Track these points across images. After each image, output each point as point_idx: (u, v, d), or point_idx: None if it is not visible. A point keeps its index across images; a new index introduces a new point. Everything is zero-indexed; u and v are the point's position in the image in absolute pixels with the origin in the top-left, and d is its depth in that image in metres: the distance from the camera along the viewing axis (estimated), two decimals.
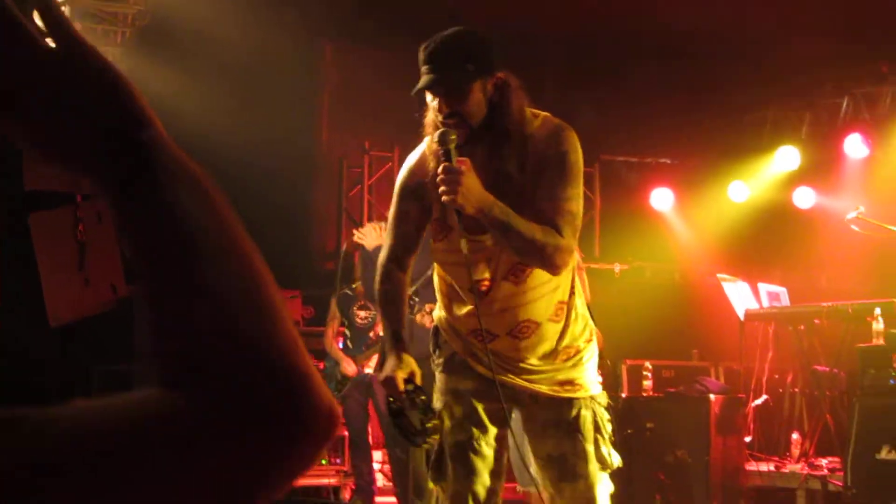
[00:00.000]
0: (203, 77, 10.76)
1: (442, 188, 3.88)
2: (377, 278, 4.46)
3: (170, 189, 1.06)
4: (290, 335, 1.03)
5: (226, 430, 0.98)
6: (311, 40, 12.77)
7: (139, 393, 1.00)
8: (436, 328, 4.54)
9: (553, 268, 4.03)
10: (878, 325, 8.34)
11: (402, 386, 4.20)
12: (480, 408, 4.34)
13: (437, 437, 4.32)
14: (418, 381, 4.28)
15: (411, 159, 4.36)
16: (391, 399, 4.31)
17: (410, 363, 4.26)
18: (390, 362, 4.30)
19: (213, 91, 10.74)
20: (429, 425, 4.29)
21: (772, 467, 9.52)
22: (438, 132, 3.97)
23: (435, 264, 4.39)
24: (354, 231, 8.92)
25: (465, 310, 4.29)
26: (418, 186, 4.27)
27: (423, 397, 4.29)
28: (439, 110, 4.03)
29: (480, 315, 4.15)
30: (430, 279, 4.68)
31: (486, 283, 4.16)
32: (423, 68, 4.03)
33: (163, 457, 0.96)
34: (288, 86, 12.17)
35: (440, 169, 3.91)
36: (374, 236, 8.43)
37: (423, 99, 4.15)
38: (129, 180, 1.06)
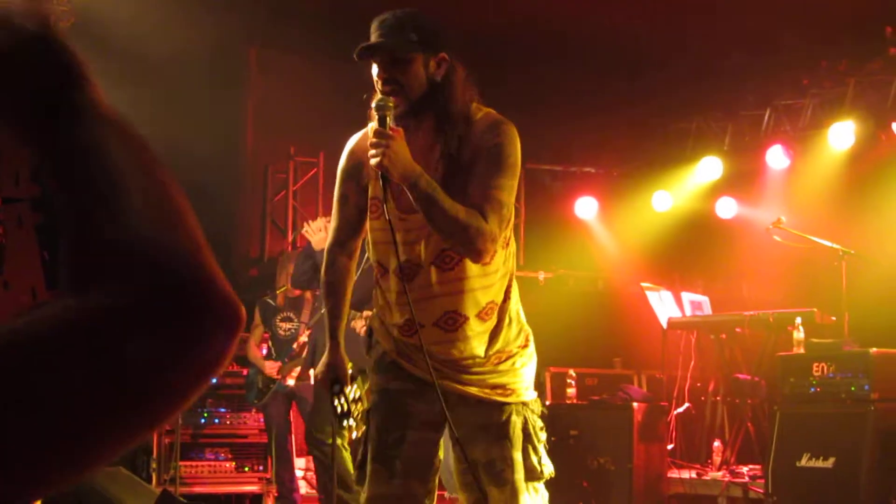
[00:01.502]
0: (127, 82, 10.66)
1: (371, 152, 3.88)
2: (323, 265, 4.47)
3: (95, 132, 1.14)
4: (196, 242, 1.10)
5: (133, 325, 1.01)
6: (235, 46, 12.70)
7: (49, 305, 1.05)
8: (370, 329, 4.50)
9: (474, 252, 3.99)
10: (799, 335, 8.43)
11: (330, 385, 4.36)
12: (409, 409, 4.29)
13: (362, 427, 4.33)
14: (348, 381, 4.37)
15: (352, 142, 4.37)
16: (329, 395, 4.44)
17: (341, 364, 4.36)
18: (322, 360, 4.43)
19: (136, 96, 10.63)
20: (354, 410, 4.42)
21: (693, 475, 9.59)
22: (377, 98, 3.98)
23: (370, 251, 4.36)
24: (304, 224, 8.83)
25: (393, 297, 4.26)
26: (356, 168, 4.27)
27: (346, 396, 4.40)
28: (378, 76, 4.04)
29: (406, 302, 4.13)
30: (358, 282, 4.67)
31: (416, 263, 4.13)
32: (372, 36, 4.07)
33: (74, 355, 0.99)
34: (212, 92, 12.09)
35: (372, 133, 3.90)
36: (322, 237, 8.33)
37: (360, 84, 4.15)
38: (59, 129, 1.13)
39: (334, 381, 4.41)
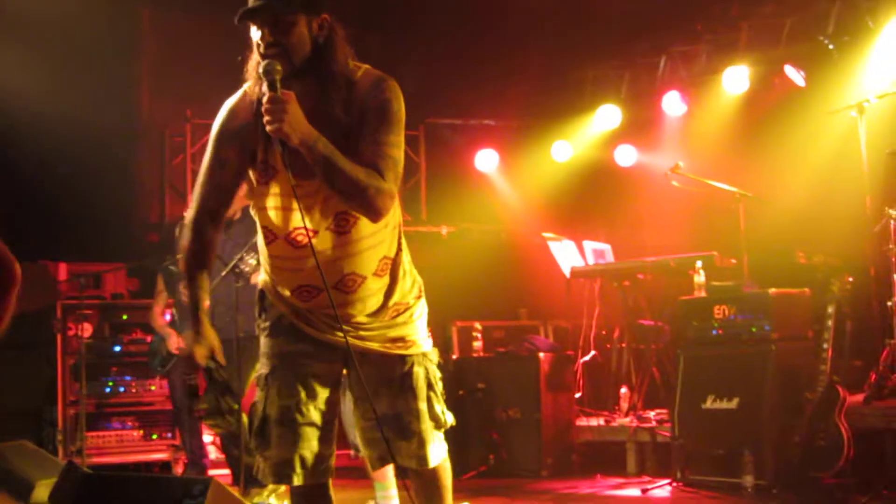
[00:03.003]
0: (20, 44, 10.45)
1: (267, 118, 3.77)
2: (187, 234, 4.23)
3: None
4: None
5: None
6: (127, 7, 12.49)
7: None
8: (261, 292, 4.44)
9: (374, 212, 3.95)
10: (700, 278, 8.52)
11: (202, 362, 4.07)
12: (309, 370, 4.25)
13: (232, 419, 4.19)
14: (220, 357, 4.12)
15: (230, 102, 4.21)
16: (187, 376, 4.15)
17: (211, 338, 4.12)
18: (188, 337, 4.16)
19: (27, 59, 10.44)
20: (226, 407, 4.15)
21: (602, 422, 9.68)
22: (264, 62, 3.85)
23: (257, 217, 4.27)
24: None
25: (288, 264, 4.21)
26: (240, 129, 4.12)
27: (223, 375, 4.15)
28: (262, 39, 3.94)
29: (300, 268, 4.10)
30: (256, 245, 4.57)
31: (309, 232, 4.04)
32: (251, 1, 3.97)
33: None
34: (105, 54, 11.88)
35: (265, 99, 3.81)
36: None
37: (248, 45, 4.06)
38: None
39: (209, 356, 4.17)
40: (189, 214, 4.26)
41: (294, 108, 3.77)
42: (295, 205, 4.03)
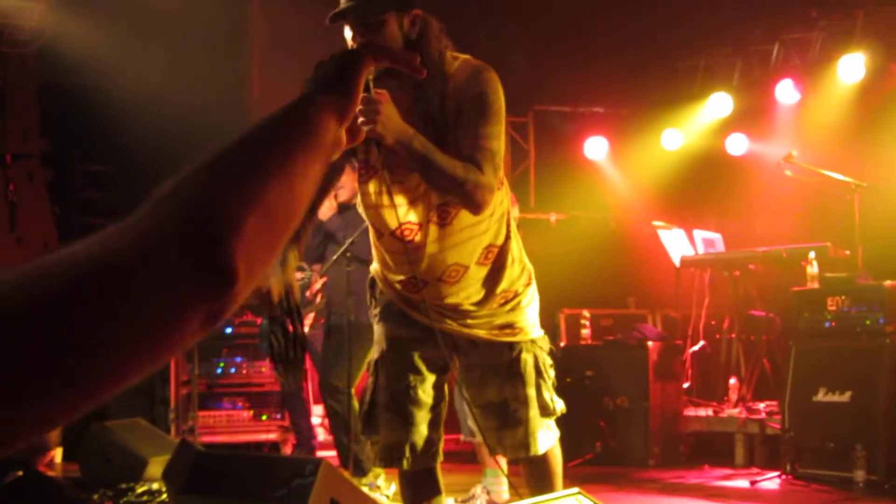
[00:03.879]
0: (130, 33, 10.62)
1: (360, 119, 3.77)
2: None
3: None
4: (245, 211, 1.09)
5: (136, 271, 1.02)
6: None
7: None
8: (372, 279, 4.50)
9: (474, 206, 3.96)
10: (813, 269, 8.41)
11: (275, 297, 3.96)
12: (418, 356, 4.32)
13: (298, 374, 4.14)
14: (294, 296, 3.98)
15: None
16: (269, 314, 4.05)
17: (289, 275, 4.02)
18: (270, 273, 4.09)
19: (141, 47, 10.61)
20: (292, 356, 4.02)
21: (710, 412, 9.61)
22: None
23: (365, 214, 4.31)
24: None
25: (395, 258, 4.25)
26: None
27: (296, 319, 3.99)
28: (353, 41, 3.96)
29: (408, 262, 4.14)
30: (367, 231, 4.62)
31: (414, 226, 4.10)
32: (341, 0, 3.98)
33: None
34: (217, 40, 12.02)
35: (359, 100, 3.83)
36: (328, 206, 8.30)
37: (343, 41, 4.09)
38: None
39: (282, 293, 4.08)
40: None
41: (387, 109, 3.77)
42: (397, 201, 4.07)
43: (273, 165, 1.17)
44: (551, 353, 4.50)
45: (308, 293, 9.32)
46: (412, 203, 4.10)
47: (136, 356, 1.03)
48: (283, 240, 1.15)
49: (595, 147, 13.50)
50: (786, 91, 11.60)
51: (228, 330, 10.54)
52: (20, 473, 6.31)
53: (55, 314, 0.97)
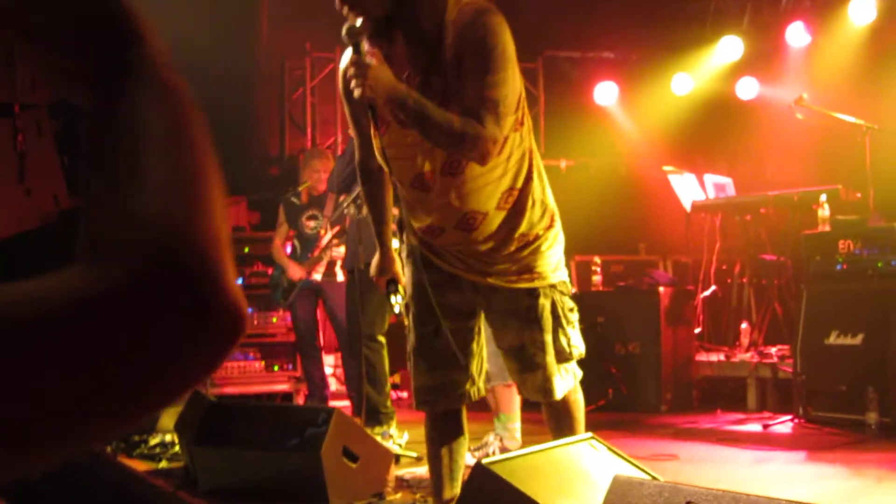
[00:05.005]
0: None
1: (352, 83, 3.79)
2: (359, 178, 4.58)
3: (140, 100, 1.10)
4: (214, 236, 1.03)
5: (124, 305, 0.97)
6: None
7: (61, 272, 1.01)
8: (400, 222, 4.51)
9: (477, 159, 3.94)
10: (824, 212, 8.38)
11: (382, 289, 4.54)
12: (441, 300, 4.33)
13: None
14: (401, 282, 4.52)
15: (343, 62, 4.21)
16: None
17: (391, 266, 4.53)
18: (374, 262, 4.61)
19: None
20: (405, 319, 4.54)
21: (722, 357, 9.62)
22: (345, 26, 3.84)
23: (385, 166, 4.30)
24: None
25: (415, 205, 4.25)
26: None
27: (399, 299, 4.53)
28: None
29: (427, 210, 4.14)
30: None
31: (429, 174, 4.09)
32: None
33: (61, 318, 0.95)
34: None
35: (349, 63, 3.82)
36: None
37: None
38: (109, 89, 1.11)
39: (389, 281, 4.52)
40: (356, 159, 4.51)
41: (376, 71, 3.75)
42: (409, 153, 4.07)
43: (212, 178, 1.12)
44: (574, 297, 4.48)
45: (321, 241, 9.33)
46: (424, 153, 4.07)
47: (137, 400, 1.01)
48: None
49: (605, 92, 13.46)
50: (796, 34, 11.54)
51: (239, 280, 10.54)
52: None
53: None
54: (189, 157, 1.10)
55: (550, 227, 4.36)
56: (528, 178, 4.23)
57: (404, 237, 4.49)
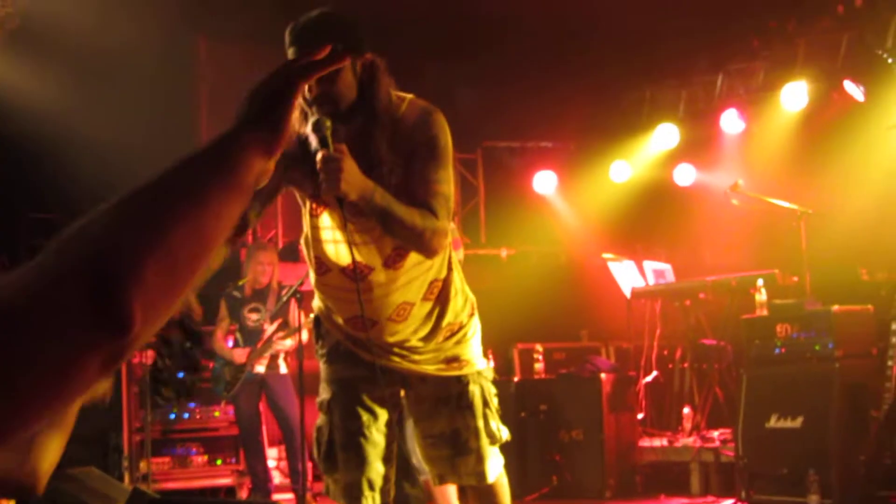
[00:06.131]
0: (76, 80, 10.59)
1: (322, 177, 3.77)
2: None
3: None
4: (135, 258, 1.09)
5: (21, 309, 1.03)
6: (184, 37, 12.62)
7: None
8: (317, 318, 4.50)
9: (430, 252, 4.00)
10: (761, 297, 8.46)
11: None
12: (368, 395, 4.33)
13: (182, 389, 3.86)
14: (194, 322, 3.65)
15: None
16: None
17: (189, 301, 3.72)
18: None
19: (87, 94, 10.57)
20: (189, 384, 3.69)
21: (665, 442, 9.64)
22: (312, 120, 3.83)
23: (310, 247, 4.27)
24: None
25: (340, 295, 4.24)
26: (288, 154, 4.04)
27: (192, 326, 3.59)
28: (309, 91, 3.88)
29: (355, 302, 4.10)
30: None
31: (366, 268, 4.11)
32: (290, 50, 3.91)
33: None
34: (164, 83, 12.01)
35: (318, 158, 3.79)
36: None
37: None
38: None
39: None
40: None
41: (349, 165, 3.77)
42: (347, 239, 4.05)
43: (182, 209, 1.17)
44: (496, 383, 4.55)
45: (263, 335, 9.33)
46: (365, 244, 4.10)
47: (34, 399, 1.03)
48: (188, 283, 1.15)
49: (544, 181, 13.55)
50: (731, 120, 11.70)
51: (180, 375, 10.46)
52: None
53: None
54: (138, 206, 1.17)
55: (472, 315, 4.46)
56: (450, 269, 4.33)
57: (322, 332, 4.47)
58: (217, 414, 10.31)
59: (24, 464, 3.49)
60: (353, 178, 3.79)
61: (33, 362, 1.02)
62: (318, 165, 3.78)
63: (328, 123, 3.81)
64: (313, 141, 3.83)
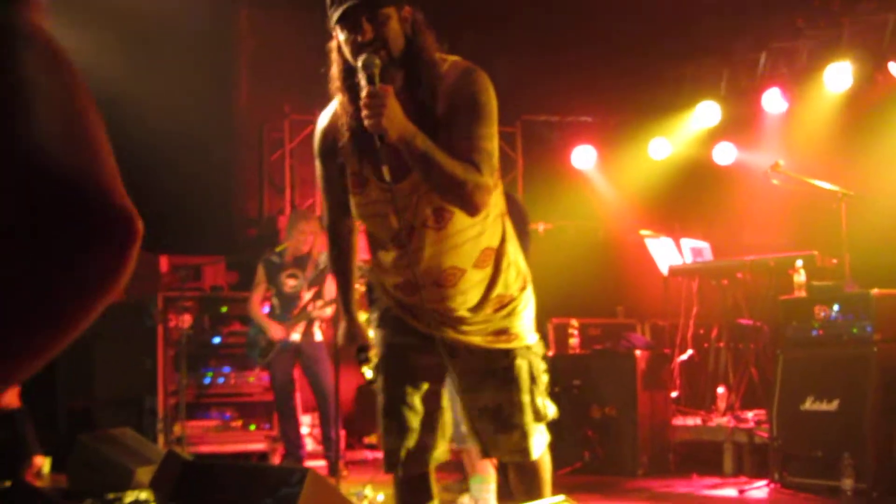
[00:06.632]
0: (118, 44, 10.61)
1: (365, 112, 3.79)
2: (328, 244, 4.55)
3: (19, 54, 1.15)
4: (98, 158, 1.11)
5: (16, 245, 1.03)
6: (226, 5, 12.64)
7: None
8: (370, 284, 4.53)
9: (472, 207, 3.97)
10: (800, 278, 8.41)
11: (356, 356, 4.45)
12: (414, 362, 4.34)
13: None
14: (371, 348, 4.44)
15: (322, 122, 4.28)
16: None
17: (361, 333, 4.50)
18: (341, 332, 4.56)
19: (129, 56, 10.60)
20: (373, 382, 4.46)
21: (698, 421, 9.62)
22: (362, 57, 3.86)
23: (359, 221, 4.33)
24: None
25: (389, 262, 4.25)
26: (331, 148, 4.20)
27: (370, 366, 4.46)
28: (362, 36, 3.90)
29: (403, 267, 4.14)
30: None
31: (408, 231, 4.09)
32: (331, 11, 3.95)
33: None
34: (205, 52, 12.03)
35: (364, 93, 3.82)
36: None
37: (328, 55, 4.08)
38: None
39: (360, 348, 4.49)
40: (325, 223, 4.49)
41: (392, 103, 3.78)
42: (392, 207, 4.05)
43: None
44: (545, 359, 4.51)
45: (299, 301, 9.36)
46: (407, 208, 4.09)
47: (51, 324, 1.03)
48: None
49: (583, 156, 13.51)
50: (773, 100, 11.63)
51: (216, 340, 10.53)
52: (7, 484, 6.29)
53: None
54: (70, 101, 1.16)
55: (524, 288, 4.42)
56: (503, 239, 4.29)
57: (374, 298, 4.50)
58: (251, 379, 10.36)
59: None
60: (395, 117, 3.79)
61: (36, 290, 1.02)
62: (362, 101, 3.80)
63: (377, 61, 3.83)
64: (362, 79, 3.85)
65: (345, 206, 4.30)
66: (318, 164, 4.34)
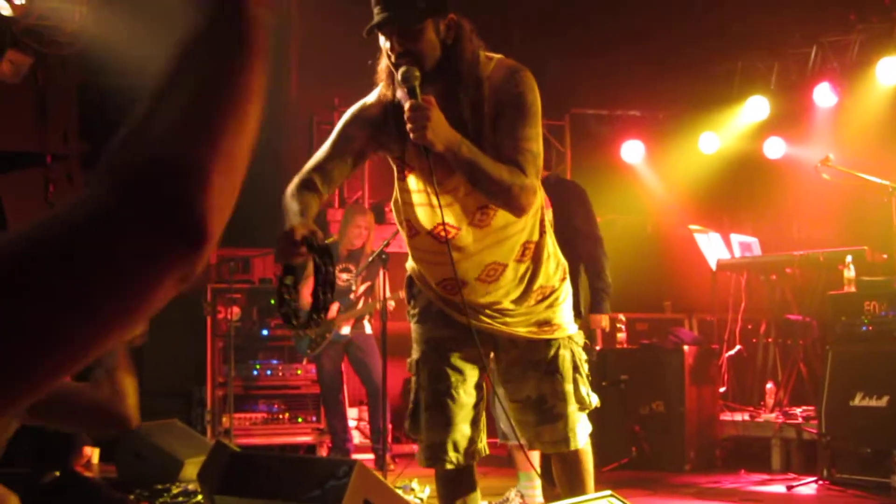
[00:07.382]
0: (170, 32, 10.67)
1: (409, 126, 3.83)
2: (293, 183, 4.28)
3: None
4: (207, 158, 1.06)
5: (99, 230, 1.01)
6: None
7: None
8: (409, 278, 4.54)
9: (518, 209, 4.00)
10: (850, 273, 8.36)
11: (298, 236, 3.76)
12: (457, 356, 4.36)
13: (317, 331, 4.16)
14: (320, 241, 3.80)
15: (363, 100, 4.28)
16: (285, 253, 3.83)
17: (311, 224, 3.91)
18: (290, 220, 4.02)
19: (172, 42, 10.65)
20: (315, 316, 3.82)
21: (746, 417, 9.57)
22: (401, 70, 3.89)
23: (400, 211, 4.33)
24: None
25: (431, 258, 4.28)
26: (372, 119, 4.18)
27: (320, 243, 3.79)
28: (391, 50, 3.96)
29: (446, 263, 4.14)
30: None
31: (451, 227, 4.13)
32: (375, 9, 3.97)
33: (65, 236, 1.01)
34: None
35: (407, 106, 3.85)
36: None
37: (379, 46, 4.10)
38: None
39: (286, 268, 3.92)
40: (305, 167, 4.34)
41: (436, 115, 3.82)
42: (437, 201, 4.07)
43: (229, 107, 1.13)
44: (586, 348, 4.53)
45: (352, 296, 9.39)
46: (451, 204, 4.12)
47: (109, 317, 1.02)
48: (238, 187, 1.11)
49: (631, 150, 13.48)
50: (823, 94, 11.56)
51: (264, 332, 10.59)
52: (57, 474, 6.36)
53: (26, 273, 0.99)
54: (211, 93, 1.12)
55: (564, 279, 4.47)
56: (542, 232, 4.33)
57: (415, 292, 4.50)
58: (299, 372, 10.40)
59: (124, 398, 3.58)
60: (440, 129, 3.82)
61: (107, 279, 1.00)
62: (406, 114, 3.82)
63: (416, 73, 3.86)
64: (401, 92, 3.88)
65: (344, 165, 4.26)
66: (344, 120, 4.29)
